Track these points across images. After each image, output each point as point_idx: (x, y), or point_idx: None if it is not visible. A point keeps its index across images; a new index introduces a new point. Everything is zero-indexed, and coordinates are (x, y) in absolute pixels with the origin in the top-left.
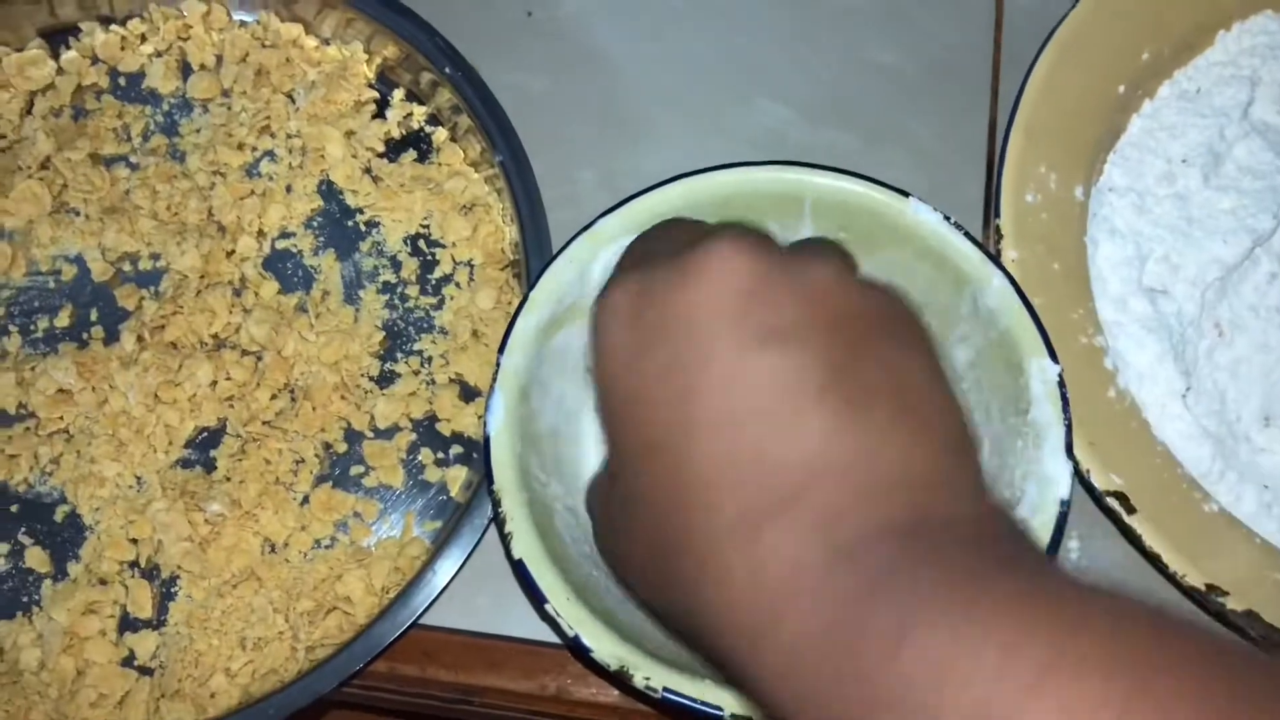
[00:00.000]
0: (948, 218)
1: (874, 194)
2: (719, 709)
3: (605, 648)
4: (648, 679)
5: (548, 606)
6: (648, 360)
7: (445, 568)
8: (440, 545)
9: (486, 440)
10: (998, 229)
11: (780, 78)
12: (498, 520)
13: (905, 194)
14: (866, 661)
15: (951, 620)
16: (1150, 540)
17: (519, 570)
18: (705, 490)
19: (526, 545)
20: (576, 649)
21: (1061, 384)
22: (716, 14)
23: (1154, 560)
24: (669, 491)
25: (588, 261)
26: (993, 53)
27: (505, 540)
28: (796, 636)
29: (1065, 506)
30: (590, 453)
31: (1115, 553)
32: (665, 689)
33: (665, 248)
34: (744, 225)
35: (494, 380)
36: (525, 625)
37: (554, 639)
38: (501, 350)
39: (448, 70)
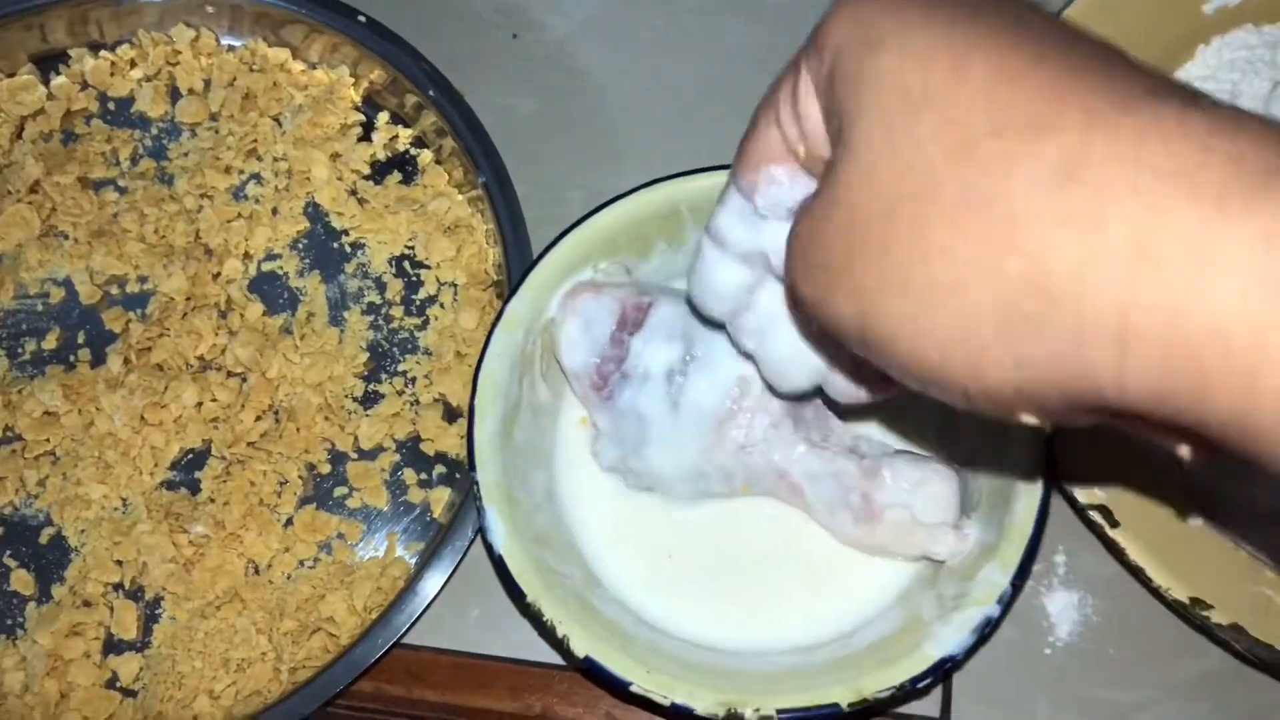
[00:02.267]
0: None
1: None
2: (836, 705)
3: (706, 700)
4: (758, 710)
5: (633, 688)
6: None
7: (427, 588)
8: (423, 565)
9: (499, 561)
10: None
11: (756, 96)
12: (546, 630)
13: None
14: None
15: None
16: (1133, 554)
17: (590, 668)
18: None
19: (587, 642)
20: (678, 714)
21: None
22: (698, 38)
23: (1137, 574)
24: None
25: (515, 353)
26: None
27: (563, 645)
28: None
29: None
30: (589, 526)
31: (1102, 568)
32: (780, 711)
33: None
34: None
35: (479, 499)
36: (511, 645)
37: (540, 658)
38: (472, 468)
39: (431, 93)
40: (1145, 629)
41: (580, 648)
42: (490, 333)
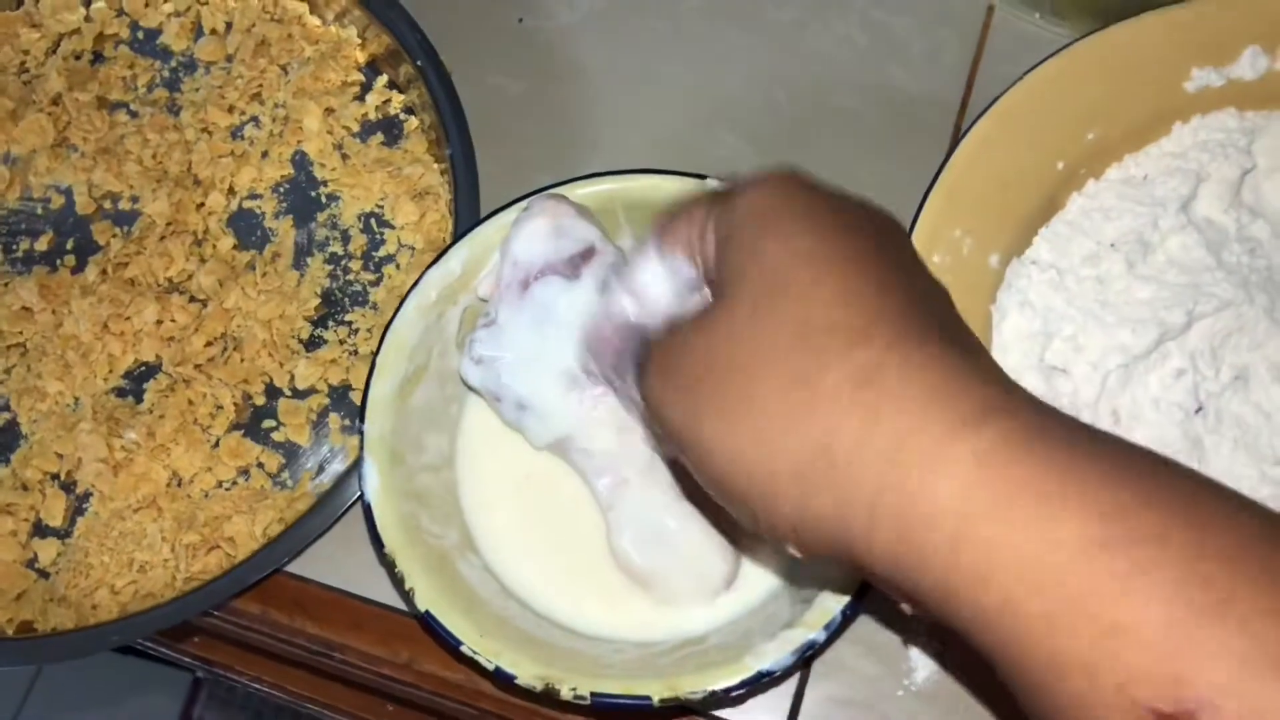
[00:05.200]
0: None
1: (671, 184)
2: (647, 698)
3: (527, 671)
4: (574, 689)
5: (463, 648)
6: (833, 219)
7: (316, 523)
8: (319, 503)
9: (367, 507)
10: None
11: (745, 111)
12: (396, 580)
13: (703, 176)
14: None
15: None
16: None
17: (427, 622)
18: (904, 309)
19: (430, 596)
20: (500, 679)
21: None
22: (695, 43)
23: None
24: (841, 313)
25: (433, 320)
26: (958, 111)
27: (408, 597)
28: (1012, 430)
29: None
30: (477, 494)
31: None
32: (594, 694)
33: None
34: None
35: (361, 449)
36: (393, 593)
37: None
38: (362, 420)
39: (419, 63)
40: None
41: (422, 602)
42: (405, 296)
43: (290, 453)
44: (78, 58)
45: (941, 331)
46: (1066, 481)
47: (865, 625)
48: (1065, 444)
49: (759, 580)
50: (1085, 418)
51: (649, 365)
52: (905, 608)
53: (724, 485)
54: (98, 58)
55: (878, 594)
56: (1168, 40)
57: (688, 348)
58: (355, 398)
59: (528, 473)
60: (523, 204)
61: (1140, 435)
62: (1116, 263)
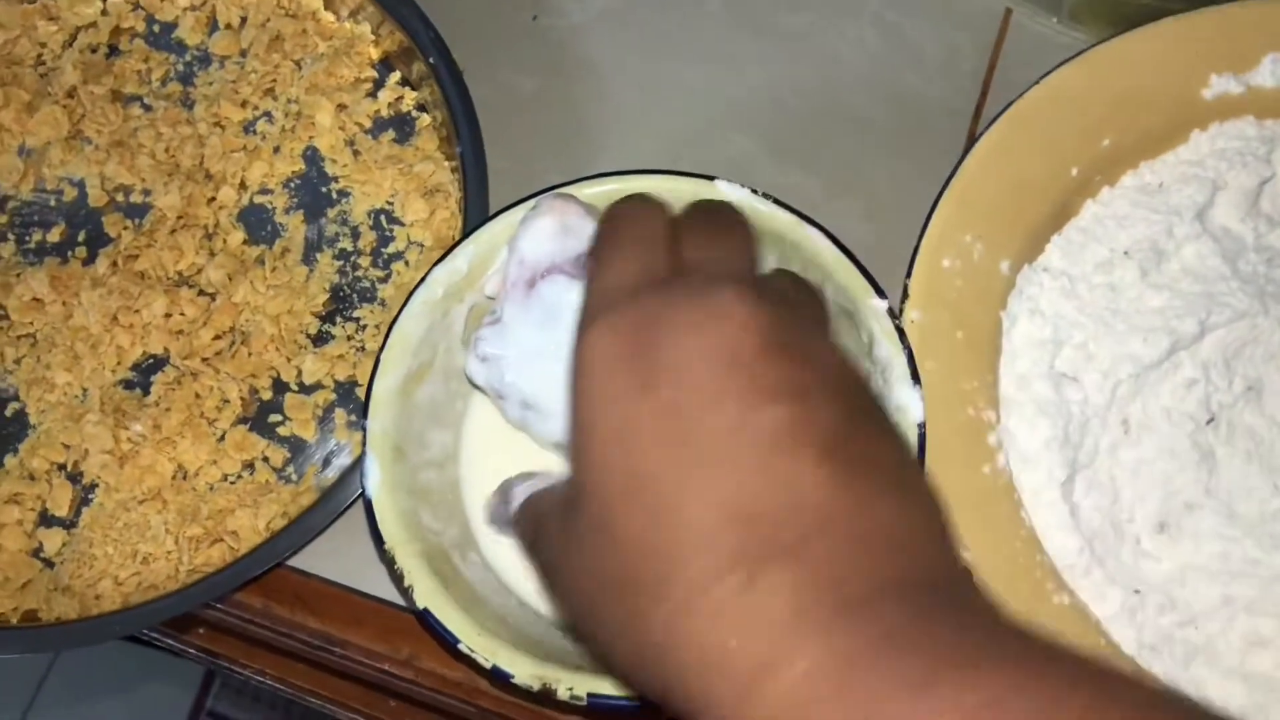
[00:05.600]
0: (754, 190)
1: (681, 184)
2: (636, 702)
3: (524, 670)
4: (571, 689)
5: (460, 646)
6: (646, 399)
7: (320, 519)
8: (323, 498)
9: (368, 503)
10: (905, 288)
11: (757, 114)
12: (395, 576)
13: (711, 178)
14: (891, 709)
15: (969, 678)
16: None
17: (426, 619)
18: (696, 532)
19: (428, 593)
20: (497, 677)
21: (892, 314)
22: (711, 44)
23: None
24: (650, 529)
25: (439, 316)
26: (972, 115)
27: (407, 594)
28: (799, 683)
29: (922, 428)
30: (480, 491)
31: None
32: (590, 695)
33: (647, 260)
34: (734, 264)
35: (364, 444)
36: (393, 588)
37: None
38: (365, 415)
39: (432, 60)
40: None
41: (420, 599)
42: (411, 292)
43: (296, 447)
44: (93, 51)
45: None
46: None
47: None
48: None
49: None
50: (1095, 426)
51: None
52: None
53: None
54: (113, 51)
55: None
56: (1186, 47)
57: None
58: (361, 394)
59: (527, 468)
60: (530, 203)
61: (1150, 445)
62: (1129, 270)
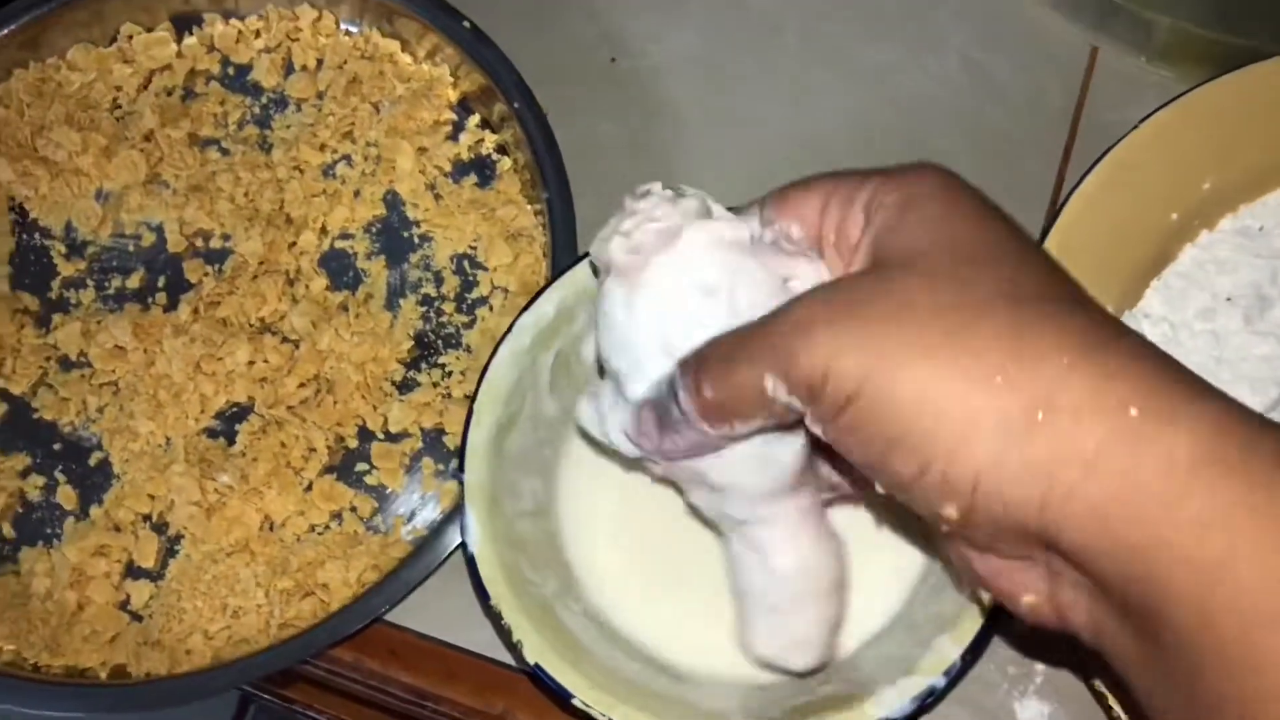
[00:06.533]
0: None
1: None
2: None
3: None
4: None
5: (575, 701)
6: (1000, 212)
7: (415, 573)
8: (416, 551)
9: (470, 558)
10: None
11: (839, 151)
12: (504, 632)
13: None
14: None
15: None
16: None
17: (537, 675)
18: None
19: (538, 649)
20: None
21: None
22: (788, 83)
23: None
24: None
25: (527, 365)
26: (1061, 156)
27: (516, 650)
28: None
29: None
30: (578, 539)
31: (1080, 687)
32: None
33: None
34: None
35: (461, 498)
36: (486, 642)
37: (511, 660)
38: (461, 469)
39: (516, 105)
40: None
41: (531, 655)
42: (500, 341)
43: (383, 497)
44: (169, 94)
45: (1100, 333)
46: None
47: (973, 684)
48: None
49: (874, 615)
50: None
51: (801, 321)
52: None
53: (902, 427)
54: (189, 94)
55: (989, 647)
56: None
57: (870, 293)
58: (449, 441)
59: (629, 513)
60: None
61: None
62: (1233, 318)
